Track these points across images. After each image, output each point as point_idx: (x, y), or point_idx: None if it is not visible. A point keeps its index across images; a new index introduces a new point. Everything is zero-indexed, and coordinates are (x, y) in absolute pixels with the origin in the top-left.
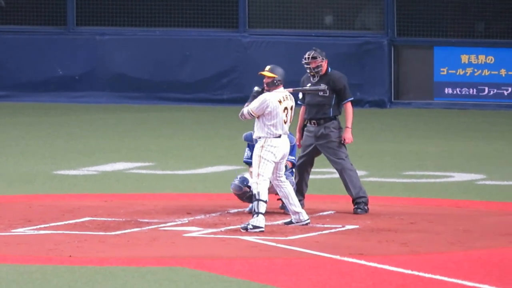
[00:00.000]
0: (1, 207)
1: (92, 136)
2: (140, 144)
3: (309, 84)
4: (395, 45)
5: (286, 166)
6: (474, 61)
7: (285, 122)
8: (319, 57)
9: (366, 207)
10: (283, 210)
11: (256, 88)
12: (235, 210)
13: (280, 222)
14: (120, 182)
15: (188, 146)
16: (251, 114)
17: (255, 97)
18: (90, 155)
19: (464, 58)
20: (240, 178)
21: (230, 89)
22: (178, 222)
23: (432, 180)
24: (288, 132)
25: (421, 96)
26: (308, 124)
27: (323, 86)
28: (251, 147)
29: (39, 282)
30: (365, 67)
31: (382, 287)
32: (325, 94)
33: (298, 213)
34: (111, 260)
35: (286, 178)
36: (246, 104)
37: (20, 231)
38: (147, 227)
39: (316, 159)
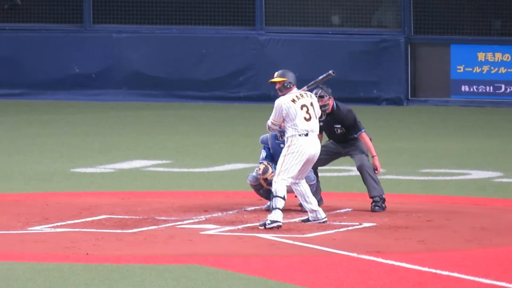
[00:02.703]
0: (18, 205)
1: (109, 134)
2: (157, 142)
3: (321, 124)
4: (411, 43)
5: None
6: (491, 59)
7: (307, 119)
8: (326, 96)
9: (383, 205)
10: (301, 207)
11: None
12: (252, 208)
13: (297, 219)
14: (137, 179)
15: (205, 143)
16: (273, 123)
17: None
18: (107, 153)
19: (481, 56)
20: (257, 170)
21: (246, 87)
22: (195, 220)
23: (449, 178)
24: (318, 131)
25: (438, 93)
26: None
27: (330, 72)
28: (267, 149)
29: (56, 280)
30: (382, 65)
31: (399, 285)
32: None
33: (315, 211)
34: (128, 258)
35: (309, 174)
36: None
37: (37, 229)
38: (164, 225)
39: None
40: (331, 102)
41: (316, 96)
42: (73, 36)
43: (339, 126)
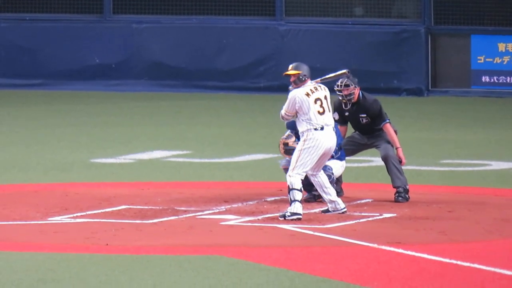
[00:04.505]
0: (38, 196)
1: (129, 124)
2: (177, 132)
3: (347, 113)
4: (432, 33)
5: None
6: (511, 49)
7: (320, 113)
8: (352, 85)
9: (407, 196)
10: (308, 201)
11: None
12: (272, 198)
13: (317, 210)
14: (157, 170)
15: (225, 134)
16: (287, 114)
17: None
18: (126, 143)
19: (501, 47)
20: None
21: (266, 77)
22: (215, 210)
23: (470, 169)
24: (333, 124)
25: (458, 84)
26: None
27: (344, 70)
28: (294, 133)
29: (76, 270)
30: (402, 55)
31: (420, 276)
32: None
33: (333, 201)
34: (148, 249)
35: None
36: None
37: (57, 219)
38: (184, 215)
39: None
40: (357, 91)
41: (342, 85)
42: (93, 26)
43: (364, 115)
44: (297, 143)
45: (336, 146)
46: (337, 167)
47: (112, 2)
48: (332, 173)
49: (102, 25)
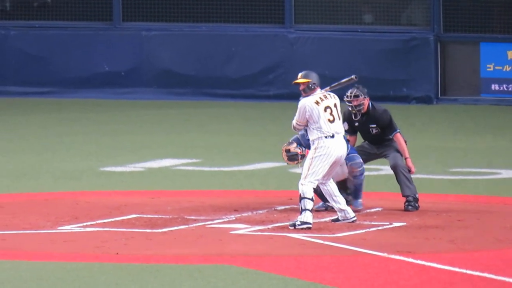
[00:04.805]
0: (47, 204)
1: (138, 132)
2: (187, 141)
3: (356, 124)
4: (441, 41)
5: None
6: None
7: (331, 121)
8: (361, 95)
9: (416, 205)
10: (317, 212)
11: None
12: (282, 207)
13: (327, 219)
14: (166, 178)
15: (235, 142)
16: (298, 124)
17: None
18: (136, 151)
19: (511, 54)
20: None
21: (276, 85)
22: (225, 219)
23: (479, 177)
24: (344, 132)
25: (468, 92)
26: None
27: (352, 76)
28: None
29: (85, 279)
30: (411, 63)
31: (430, 285)
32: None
33: (343, 210)
34: (158, 258)
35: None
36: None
37: (66, 228)
38: (194, 224)
39: None
40: (366, 101)
41: (351, 96)
42: (102, 34)
43: (374, 126)
44: (299, 148)
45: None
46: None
47: (122, 9)
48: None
49: (112, 33)
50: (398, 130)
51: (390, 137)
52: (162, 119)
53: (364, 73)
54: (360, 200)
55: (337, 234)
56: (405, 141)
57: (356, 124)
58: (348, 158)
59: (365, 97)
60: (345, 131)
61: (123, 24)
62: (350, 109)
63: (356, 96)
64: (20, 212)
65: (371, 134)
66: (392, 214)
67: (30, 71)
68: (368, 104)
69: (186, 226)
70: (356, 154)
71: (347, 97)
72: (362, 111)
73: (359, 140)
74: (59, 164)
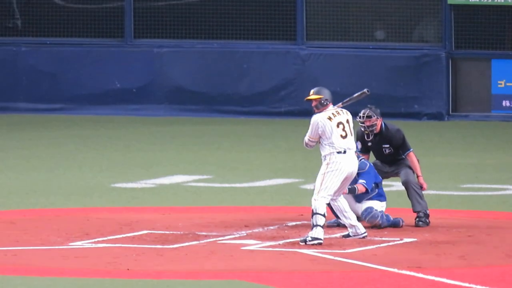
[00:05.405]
0: (59, 220)
1: (150, 149)
2: (198, 157)
3: (370, 144)
4: (452, 58)
5: (355, 189)
6: None
7: (343, 137)
8: (374, 116)
9: (427, 220)
10: (327, 227)
11: None
12: (293, 223)
13: (338, 235)
14: (178, 195)
15: (246, 159)
16: (311, 140)
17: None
18: (147, 168)
19: None
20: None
21: (288, 102)
22: (236, 235)
23: (490, 193)
24: (356, 148)
25: (479, 108)
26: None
27: (364, 90)
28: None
29: None
30: (423, 80)
31: None
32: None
33: (353, 226)
34: (169, 274)
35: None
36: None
37: (78, 244)
38: (205, 240)
39: None
40: (379, 122)
41: (364, 116)
42: (114, 50)
43: (387, 146)
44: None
45: (373, 182)
46: (377, 207)
47: (133, 26)
48: (376, 211)
49: (123, 50)
50: (411, 150)
51: (403, 156)
52: (174, 136)
53: (376, 89)
54: (398, 219)
55: (347, 250)
56: (418, 160)
57: (369, 144)
58: (363, 214)
59: (377, 118)
60: (359, 150)
61: (134, 41)
62: (362, 129)
63: (369, 117)
64: (32, 228)
65: (384, 154)
66: (403, 230)
67: (42, 88)
68: (381, 125)
69: (197, 242)
70: (370, 206)
71: (360, 117)
72: (375, 132)
73: (371, 158)
74: (71, 180)
